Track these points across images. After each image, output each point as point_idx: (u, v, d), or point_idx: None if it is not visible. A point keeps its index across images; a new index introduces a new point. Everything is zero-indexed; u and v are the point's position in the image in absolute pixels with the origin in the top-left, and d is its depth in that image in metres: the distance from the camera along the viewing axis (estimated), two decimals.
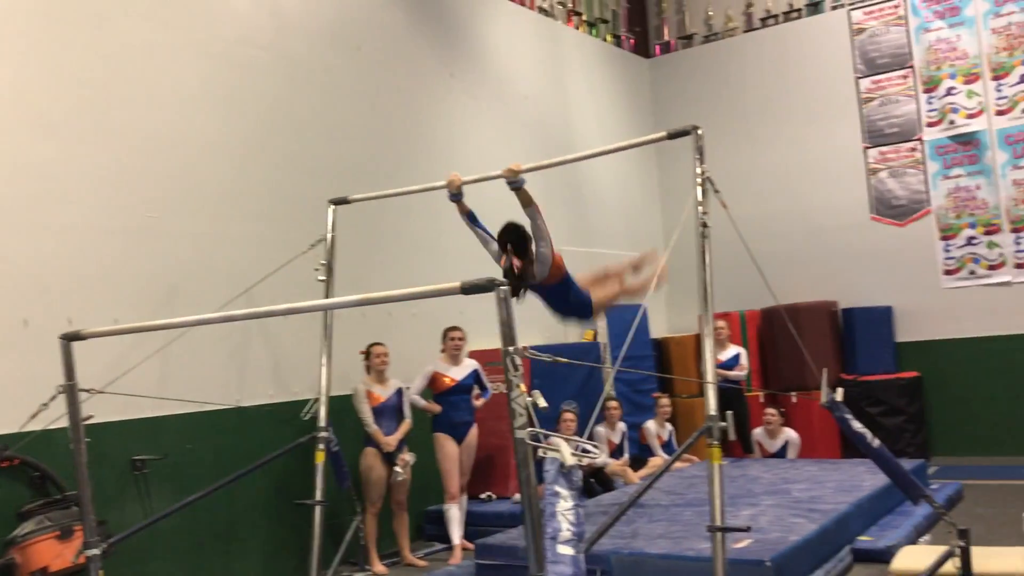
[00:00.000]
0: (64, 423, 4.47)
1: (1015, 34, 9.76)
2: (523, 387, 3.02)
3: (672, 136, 4.86)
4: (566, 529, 2.77)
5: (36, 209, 5.36)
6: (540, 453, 2.98)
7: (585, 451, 3.02)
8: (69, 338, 4.32)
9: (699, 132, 4.67)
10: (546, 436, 3.10)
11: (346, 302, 3.73)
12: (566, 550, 2.74)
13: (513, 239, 4.98)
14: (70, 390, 4.31)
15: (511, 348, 3.05)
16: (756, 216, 10.39)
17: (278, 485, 6.48)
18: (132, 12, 5.99)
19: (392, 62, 8.03)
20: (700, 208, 4.58)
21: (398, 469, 6.48)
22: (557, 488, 2.83)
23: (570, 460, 2.87)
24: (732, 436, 9.12)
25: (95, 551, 4.34)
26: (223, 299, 5.88)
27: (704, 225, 4.57)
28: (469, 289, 3.15)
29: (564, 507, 2.76)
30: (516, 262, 4.93)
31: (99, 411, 4.75)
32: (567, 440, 2.99)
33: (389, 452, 6.52)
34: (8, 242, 5.21)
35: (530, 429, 2.90)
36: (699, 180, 4.60)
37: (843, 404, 4.44)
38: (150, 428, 5.77)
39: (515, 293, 4.90)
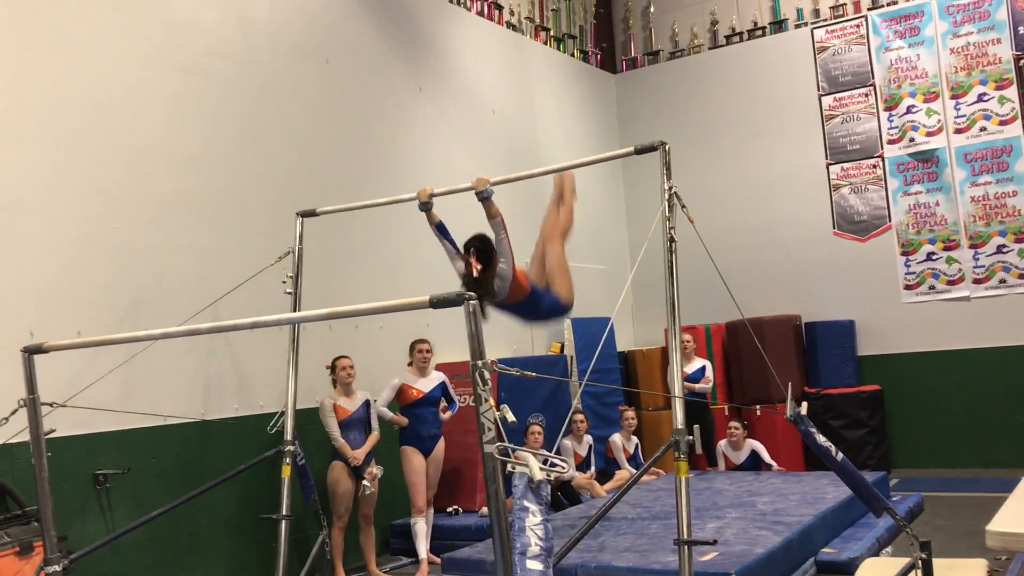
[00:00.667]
0: (25, 437, 4.42)
1: (973, 54, 9.98)
2: (492, 401, 3.02)
3: (640, 151, 4.91)
4: (535, 544, 2.77)
5: None
6: (509, 468, 2.99)
7: (553, 465, 3.03)
8: (31, 351, 4.26)
9: (666, 148, 4.72)
10: (514, 450, 3.11)
11: (313, 316, 3.71)
12: (535, 565, 2.75)
13: (477, 245, 5.08)
14: (32, 404, 4.25)
15: (479, 362, 3.06)
16: (721, 230, 10.52)
17: (243, 499, 6.42)
18: (99, 21, 5.93)
19: (361, 75, 8.03)
20: (667, 223, 4.62)
21: (366, 483, 6.44)
22: (526, 503, 2.84)
23: (539, 475, 2.89)
24: (699, 450, 9.21)
25: (56, 568, 4.27)
26: (188, 312, 5.83)
27: (671, 240, 4.62)
28: (438, 303, 3.16)
29: (533, 522, 2.77)
30: (476, 264, 4.98)
31: (61, 425, 4.68)
32: (535, 454, 2.99)
33: (356, 466, 6.49)
34: None
35: (499, 444, 2.90)
36: (666, 195, 4.64)
37: (807, 418, 4.50)
38: (113, 442, 5.70)
39: (479, 302, 4.91)
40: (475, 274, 5.05)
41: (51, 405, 4.35)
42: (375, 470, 6.51)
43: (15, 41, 5.49)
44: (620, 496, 4.59)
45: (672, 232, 4.63)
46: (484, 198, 5.26)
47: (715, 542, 4.79)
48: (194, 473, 6.03)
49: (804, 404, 4.48)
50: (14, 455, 5.01)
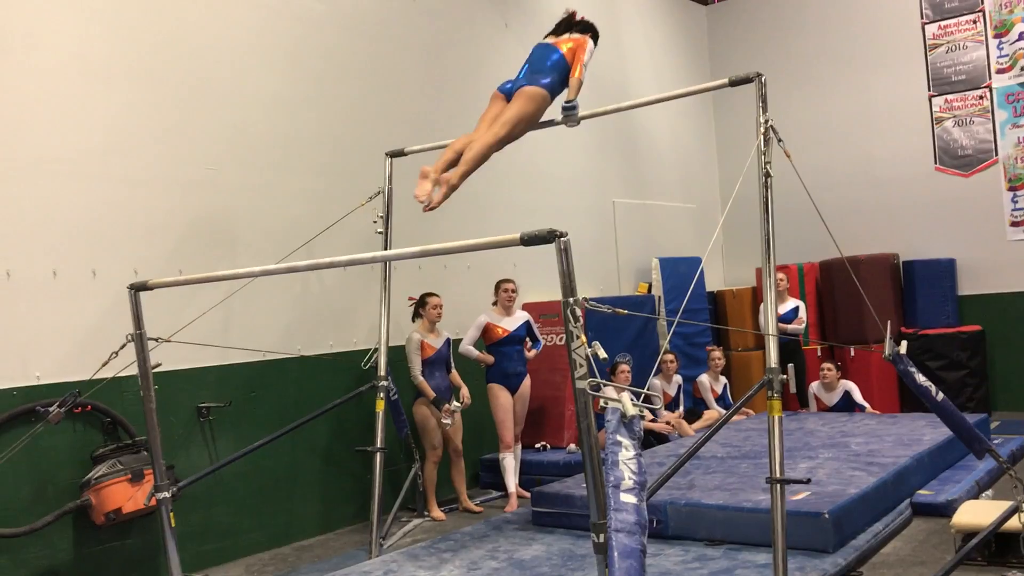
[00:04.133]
0: (133, 371, 4.62)
1: None
2: (583, 338, 3.02)
3: (734, 83, 4.76)
4: (628, 478, 2.78)
5: (100, 161, 5.46)
6: (602, 403, 2.99)
7: (647, 401, 3.02)
8: (137, 288, 4.43)
9: (762, 79, 4.57)
10: (605, 386, 3.11)
11: (406, 253, 3.75)
12: (629, 498, 2.76)
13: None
14: (139, 339, 4.43)
15: (571, 300, 3.05)
16: (816, 166, 10.20)
17: (339, 432, 6.62)
18: None
19: (446, 12, 7.97)
20: (763, 158, 4.49)
21: (446, 421, 6.53)
22: (619, 437, 2.84)
23: (631, 410, 2.88)
24: (792, 389, 9.06)
25: (165, 494, 4.50)
26: (283, 251, 5.96)
27: (767, 175, 4.49)
28: (529, 240, 3.15)
29: (626, 456, 2.77)
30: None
31: (166, 360, 4.88)
32: (628, 390, 2.99)
33: (434, 401, 6.57)
34: (74, 193, 5.33)
35: (591, 380, 2.90)
36: (762, 129, 4.50)
37: (907, 357, 4.37)
38: (215, 376, 5.92)
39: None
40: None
41: (156, 340, 4.52)
42: (451, 406, 6.58)
43: None
44: (712, 434, 4.57)
45: (768, 167, 4.50)
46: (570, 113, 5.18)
47: (808, 481, 4.73)
48: (292, 407, 6.23)
49: (904, 343, 4.35)
50: (123, 388, 5.25)
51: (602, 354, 3.09)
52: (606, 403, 2.96)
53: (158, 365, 4.66)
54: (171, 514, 4.52)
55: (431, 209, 4.70)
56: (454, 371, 6.88)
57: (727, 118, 11.38)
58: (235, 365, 5.98)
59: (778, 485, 4.12)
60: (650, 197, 10.35)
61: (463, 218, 7.68)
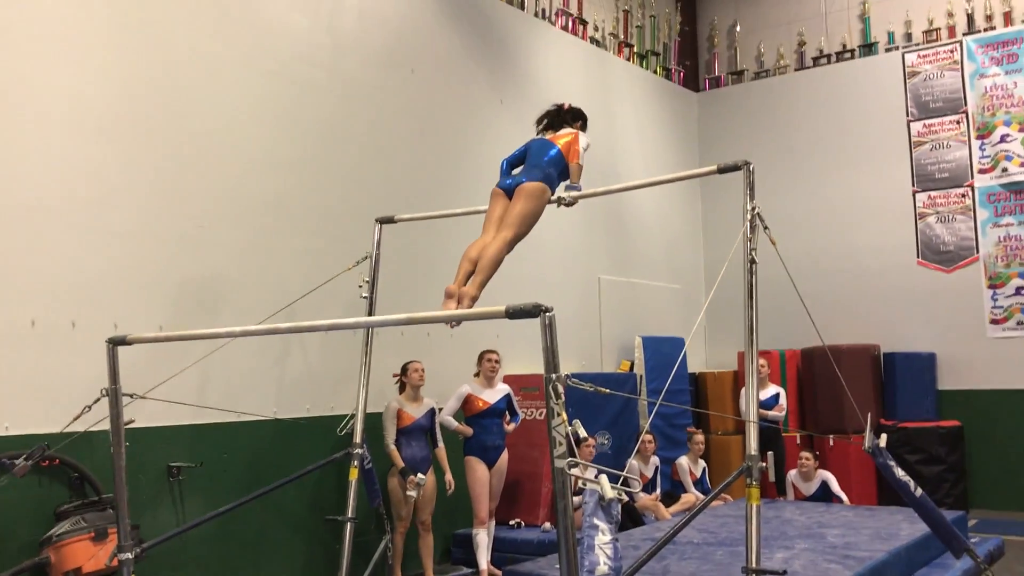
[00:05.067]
0: (105, 426, 4.53)
1: None
2: (563, 415, 3.00)
3: (723, 170, 4.83)
4: (603, 563, 2.73)
5: (87, 212, 5.45)
6: (580, 484, 2.95)
7: (626, 484, 2.98)
8: (115, 342, 4.38)
9: (751, 167, 4.65)
10: (586, 467, 3.07)
11: (389, 320, 3.74)
12: None
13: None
14: (114, 394, 4.37)
15: (553, 375, 3.03)
16: (800, 254, 10.33)
17: (311, 499, 6.50)
18: (196, 24, 6.11)
19: (444, 86, 8.11)
20: (749, 244, 4.54)
21: (410, 493, 6.42)
22: (596, 521, 2.80)
23: (610, 493, 2.85)
24: (772, 477, 9.00)
25: (128, 555, 4.38)
26: (266, 312, 5.93)
27: (752, 261, 4.53)
28: (514, 314, 3.15)
29: (602, 540, 2.73)
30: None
31: (139, 416, 4.80)
32: (608, 471, 2.95)
33: (402, 472, 6.44)
34: (59, 243, 5.31)
35: (570, 459, 2.87)
36: (749, 215, 4.56)
37: (886, 451, 4.36)
38: (188, 436, 5.82)
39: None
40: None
41: (131, 396, 4.46)
42: (416, 478, 6.46)
43: (116, 40, 5.68)
44: (690, 519, 4.50)
45: (753, 254, 4.54)
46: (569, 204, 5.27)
47: (784, 573, 4.64)
48: (265, 471, 6.12)
49: (884, 436, 4.34)
50: (94, 443, 5.14)
51: (582, 433, 3.06)
52: (584, 484, 2.92)
53: (131, 421, 4.58)
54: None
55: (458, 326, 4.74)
56: (441, 447, 6.77)
57: (714, 202, 11.53)
58: (209, 425, 5.89)
59: (753, 575, 4.06)
60: (636, 275, 10.41)
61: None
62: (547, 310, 3.10)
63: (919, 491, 4.42)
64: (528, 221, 4.89)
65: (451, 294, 4.42)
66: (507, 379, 7.55)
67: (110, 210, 5.56)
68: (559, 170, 5.11)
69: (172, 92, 5.95)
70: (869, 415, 4.76)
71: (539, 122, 5.46)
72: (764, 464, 4.21)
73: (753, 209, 4.57)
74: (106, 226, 5.53)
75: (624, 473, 3.07)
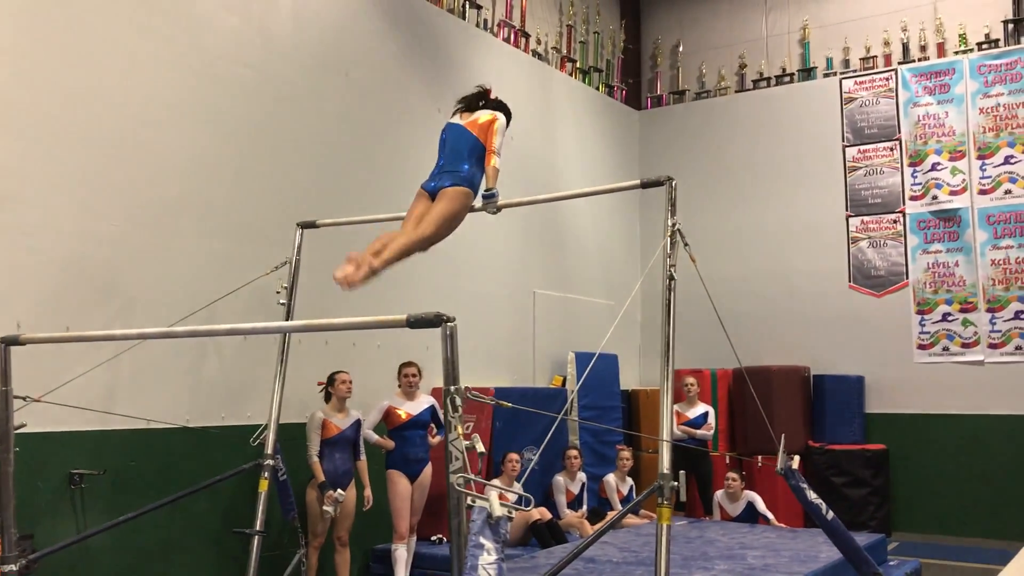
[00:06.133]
0: None
1: (1002, 116, 9.84)
2: (461, 429, 2.90)
3: (646, 185, 4.80)
4: None
5: None
6: (468, 501, 2.85)
7: (519, 502, 2.89)
8: (8, 342, 4.20)
9: (673, 183, 4.61)
10: (482, 483, 2.98)
11: (288, 327, 3.62)
12: None
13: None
14: (3, 396, 4.17)
15: (452, 388, 2.94)
16: (735, 275, 10.40)
17: (223, 511, 6.29)
18: (118, 18, 5.91)
19: (379, 92, 7.99)
20: (668, 260, 4.50)
21: (327, 508, 6.26)
22: (482, 539, 2.70)
23: (498, 510, 2.75)
24: (683, 497, 8.99)
25: (12, 567, 4.17)
26: (181, 315, 5.73)
27: (671, 278, 4.48)
28: (415, 323, 3.06)
29: (486, 560, 2.63)
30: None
31: (41, 421, 4.60)
32: (498, 488, 2.86)
33: (322, 486, 6.29)
34: None
35: (462, 475, 2.78)
36: (669, 232, 4.52)
37: (798, 472, 4.34)
38: (92, 442, 5.59)
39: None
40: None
41: (24, 399, 4.27)
42: (335, 494, 6.28)
43: (28, 33, 5.46)
44: (596, 538, 4.43)
45: (672, 270, 4.50)
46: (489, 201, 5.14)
47: None
48: (174, 480, 5.90)
49: (796, 458, 4.32)
50: None
51: (480, 448, 2.97)
52: (473, 501, 2.83)
53: (22, 425, 4.38)
54: None
55: (350, 288, 4.57)
56: (363, 460, 6.61)
57: (650, 219, 11.54)
58: (115, 431, 5.66)
59: None
60: (571, 291, 10.36)
61: (380, 298, 7.48)
62: (448, 320, 3.01)
63: (831, 514, 4.40)
64: (448, 224, 4.80)
65: (352, 259, 4.32)
66: (436, 392, 7.42)
67: (17, 206, 5.33)
68: (479, 161, 5.00)
69: (86, 88, 5.72)
70: (783, 437, 4.74)
71: (457, 104, 5.32)
72: (676, 484, 4.15)
73: (673, 225, 4.52)
74: (12, 223, 5.30)
75: (520, 492, 2.98)
